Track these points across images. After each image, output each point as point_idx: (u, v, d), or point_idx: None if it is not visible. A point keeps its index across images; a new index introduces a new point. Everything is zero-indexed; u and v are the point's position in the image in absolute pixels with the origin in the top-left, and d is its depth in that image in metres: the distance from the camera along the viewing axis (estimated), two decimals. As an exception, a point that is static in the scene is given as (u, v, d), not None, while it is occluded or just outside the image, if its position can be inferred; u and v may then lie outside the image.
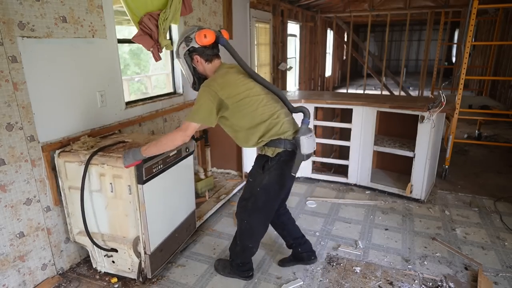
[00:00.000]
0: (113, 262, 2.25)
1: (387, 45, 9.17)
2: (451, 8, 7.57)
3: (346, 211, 3.20)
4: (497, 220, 3.02)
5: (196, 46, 1.92)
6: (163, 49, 2.96)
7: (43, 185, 2.18)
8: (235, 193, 3.55)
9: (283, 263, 2.44)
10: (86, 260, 2.52)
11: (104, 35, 2.48)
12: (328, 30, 10.61)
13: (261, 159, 2.00)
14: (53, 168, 2.20)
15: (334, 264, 2.43)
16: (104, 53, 2.51)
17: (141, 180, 2.00)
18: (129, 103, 2.87)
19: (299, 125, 1.94)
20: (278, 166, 1.95)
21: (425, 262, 2.44)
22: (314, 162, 3.91)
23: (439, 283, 2.22)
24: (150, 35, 2.80)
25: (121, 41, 2.73)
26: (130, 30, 3.27)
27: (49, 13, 2.08)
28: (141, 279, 2.24)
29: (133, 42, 2.79)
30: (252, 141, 1.96)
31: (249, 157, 3.75)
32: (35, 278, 2.22)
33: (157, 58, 2.92)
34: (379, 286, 2.21)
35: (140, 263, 2.19)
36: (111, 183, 2.06)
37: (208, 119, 1.87)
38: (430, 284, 2.23)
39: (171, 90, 3.49)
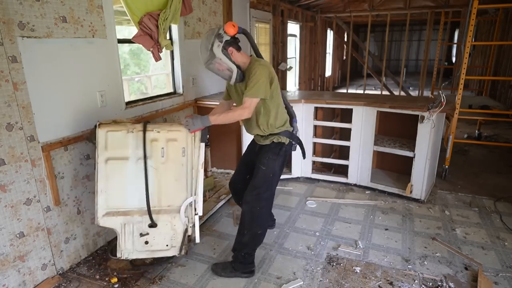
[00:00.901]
0: (146, 242, 2.16)
1: (387, 45, 9.16)
2: (451, 8, 7.56)
3: (346, 211, 3.20)
4: (497, 220, 3.02)
5: (228, 38, 2.09)
6: (163, 49, 2.96)
7: (43, 185, 2.18)
8: (235, 193, 3.56)
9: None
10: (86, 260, 2.52)
11: (104, 35, 2.48)
12: (328, 30, 10.61)
13: (275, 146, 2.27)
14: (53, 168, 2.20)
15: (334, 264, 2.43)
16: (104, 53, 2.51)
17: (204, 139, 2.13)
18: (129, 103, 2.87)
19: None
20: (285, 153, 2.30)
21: (425, 262, 2.44)
22: (314, 162, 3.91)
23: (439, 283, 2.22)
24: (150, 35, 2.80)
25: (121, 41, 2.73)
26: (130, 30, 3.27)
27: (49, 13, 2.08)
28: (184, 252, 2.23)
29: (133, 42, 2.79)
30: (271, 127, 2.24)
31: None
32: (35, 278, 2.22)
33: (157, 58, 2.92)
34: (379, 286, 2.21)
35: (185, 231, 2.19)
36: (163, 148, 2.09)
37: (267, 93, 2.12)
38: (430, 284, 2.23)
39: (171, 90, 3.49)
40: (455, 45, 13.40)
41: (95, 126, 2.17)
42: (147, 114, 3.02)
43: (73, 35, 2.25)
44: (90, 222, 2.56)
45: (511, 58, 7.04)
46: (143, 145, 2.08)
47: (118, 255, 2.17)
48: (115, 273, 2.36)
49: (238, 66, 2.15)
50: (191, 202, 2.19)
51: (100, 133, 2.09)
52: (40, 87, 2.08)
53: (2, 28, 1.85)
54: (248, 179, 2.36)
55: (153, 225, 2.14)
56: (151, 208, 2.14)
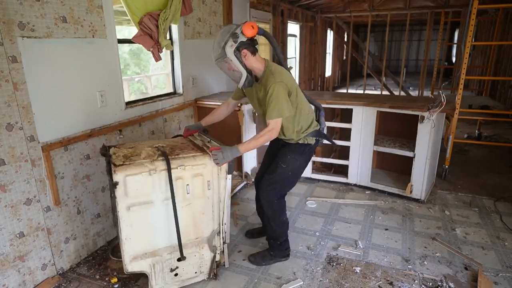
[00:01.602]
0: (176, 275, 2.13)
1: (387, 45, 9.16)
2: (451, 8, 7.56)
3: (346, 211, 3.20)
4: (497, 220, 3.02)
5: (244, 39, 1.97)
6: (163, 49, 2.96)
7: (43, 185, 2.18)
8: (236, 193, 3.56)
9: (252, 234, 2.77)
10: (86, 260, 2.52)
11: (104, 35, 2.48)
12: (328, 30, 10.61)
13: (300, 147, 2.27)
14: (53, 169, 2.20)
15: (334, 264, 2.43)
16: (104, 53, 2.51)
17: (231, 170, 2.07)
18: (129, 103, 2.87)
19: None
20: (310, 152, 2.32)
21: (425, 262, 2.44)
22: (314, 162, 3.91)
23: (439, 283, 2.22)
24: (150, 35, 2.80)
25: (121, 41, 2.73)
26: (130, 30, 3.27)
27: (49, 13, 2.08)
28: (212, 275, 2.24)
29: (133, 42, 2.79)
30: (297, 134, 2.24)
31: (249, 157, 3.76)
32: (35, 278, 2.22)
33: (157, 58, 2.92)
34: (379, 286, 2.21)
35: (213, 258, 2.19)
36: (188, 184, 1.96)
37: (290, 110, 2.08)
38: (430, 284, 2.23)
39: (171, 90, 3.49)
40: (455, 45, 13.40)
41: (105, 155, 1.98)
42: (147, 114, 3.02)
43: (73, 35, 2.25)
44: (90, 222, 2.56)
45: (511, 58, 7.04)
46: (170, 187, 1.88)
47: None
48: (115, 273, 2.36)
49: (249, 71, 2.08)
50: (219, 231, 2.19)
51: (118, 178, 1.81)
52: (40, 87, 2.08)
53: (2, 28, 1.85)
54: None
55: (182, 259, 2.08)
56: (177, 244, 2.06)
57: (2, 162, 1.95)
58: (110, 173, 1.87)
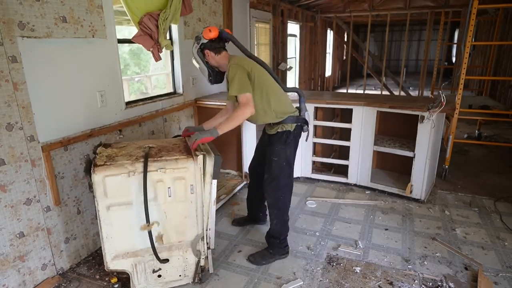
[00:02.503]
0: (159, 276, 2.13)
1: (387, 45, 9.16)
2: (451, 8, 7.56)
3: (346, 211, 3.20)
4: (497, 220, 3.02)
5: (205, 41, 2.26)
6: (163, 49, 2.96)
7: (43, 185, 2.18)
8: (235, 193, 3.56)
9: (238, 223, 2.93)
10: (86, 260, 2.52)
11: (104, 35, 2.48)
12: (328, 30, 10.61)
13: (281, 135, 2.36)
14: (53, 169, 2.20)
15: (334, 264, 2.43)
16: (104, 53, 2.51)
17: (217, 175, 2.03)
18: (129, 103, 2.87)
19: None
20: (294, 138, 2.39)
21: (425, 262, 2.44)
22: (314, 162, 3.91)
23: (439, 283, 2.22)
24: (150, 35, 2.80)
25: (121, 41, 2.73)
26: (130, 30, 3.27)
27: (49, 13, 2.08)
28: (197, 280, 2.22)
29: (133, 42, 2.79)
30: (270, 116, 2.33)
31: (249, 157, 3.75)
32: (35, 278, 2.22)
33: (157, 58, 2.92)
34: (379, 286, 2.21)
35: (198, 263, 2.17)
36: (169, 187, 1.96)
37: (249, 87, 2.20)
38: (430, 284, 2.23)
39: (171, 90, 3.49)
40: (455, 45, 13.40)
41: (90, 160, 2.03)
42: (147, 114, 3.02)
43: (73, 35, 2.25)
44: (90, 222, 2.56)
45: (511, 58, 7.04)
46: (144, 190, 1.88)
47: None
48: (115, 273, 2.36)
49: (214, 68, 2.36)
50: (203, 236, 2.17)
51: (96, 179, 1.83)
52: (40, 87, 2.08)
53: (2, 28, 1.85)
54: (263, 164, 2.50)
55: (164, 261, 2.08)
56: (163, 245, 2.07)
57: (2, 162, 1.95)
58: (89, 172, 1.93)
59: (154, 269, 2.10)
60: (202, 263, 2.21)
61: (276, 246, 2.49)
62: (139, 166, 1.89)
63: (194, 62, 2.39)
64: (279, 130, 2.36)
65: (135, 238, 2.01)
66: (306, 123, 2.41)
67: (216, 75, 2.41)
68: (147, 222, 1.92)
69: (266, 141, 2.48)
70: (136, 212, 1.96)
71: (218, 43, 2.30)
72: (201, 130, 2.38)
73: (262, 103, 2.30)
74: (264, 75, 2.32)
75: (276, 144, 2.36)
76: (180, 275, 2.18)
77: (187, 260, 2.15)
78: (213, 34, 2.23)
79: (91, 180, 1.87)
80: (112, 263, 2.01)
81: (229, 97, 2.30)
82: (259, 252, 2.53)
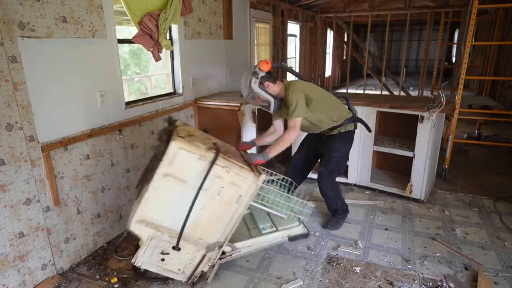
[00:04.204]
0: (163, 260, 2.14)
1: (387, 45, 9.16)
2: (451, 8, 7.56)
3: (346, 211, 3.20)
4: (497, 220, 3.02)
5: (263, 74, 2.42)
6: (163, 49, 2.96)
7: (42, 185, 2.18)
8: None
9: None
10: (86, 260, 2.52)
11: (104, 35, 2.48)
12: (328, 30, 10.61)
13: (344, 135, 2.66)
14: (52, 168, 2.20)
15: (334, 264, 2.43)
16: (104, 53, 2.52)
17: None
18: (129, 103, 2.87)
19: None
20: (352, 137, 2.73)
21: (425, 262, 2.44)
22: (314, 162, 3.91)
23: (439, 283, 2.22)
24: (150, 35, 2.80)
25: (121, 41, 2.73)
26: (130, 30, 3.27)
27: (49, 13, 2.08)
28: (190, 282, 2.21)
29: (133, 42, 2.79)
30: (327, 124, 2.59)
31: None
32: (35, 278, 2.22)
33: (157, 58, 2.93)
34: (379, 286, 2.21)
35: (198, 264, 2.16)
36: (222, 187, 2.02)
37: (305, 112, 2.46)
38: (430, 284, 2.23)
39: (171, 90, 3.49)
40: (455, 45, 13.39)
41: (171, 124, 2.14)
42: (147, 114, 3.02)
43: (73, 35, 2.25)
44: (89, 222, 2.56)
45: (511, 58, 7.04)
46: (202, 179, 1.96)
47: (133, 260, 2.12)
48: (115, 273, 2.37)
49: (275, 96, 2.49)
50: (221, 245, 2.18)
51: (173, 147, 1.91)
52: (40, 87, 2.08)
53: (2, 28, 1.85)
54: (310, 159, 2.90)
55: (176, 248, 2.10)
56: (185, 234, 2.09)
57: (2, 162, 1.95)
58: (162, 139, 2.10)
59: (163, 251, 2.11)
60: (205, 268, 2.21)
61: (339, 214, 2.91)
62: (211, 155, 1.96)
63: (254, 97, 2.47)
64: (341, 131, 2.64)
65: (168, 214, 2.04)
66: (361, 121, 2.74)
67: (279, 103, 2.54)
68: (191, 206, 1.99)
69: (322, 142, 2.74)
70: (184, 192, 2.00)
71: (272, 73, 2.47)
72: (253, 143, 2.65)
73: (324, 116, 2.56)
74: (320, 92, 2.60)
75: (338, 142, 2.65)
76: (179, 269, 2.18)
77: (194, 258, 2.15)
78: (270, 65, 2.40)
79: (161, 143, 2.08)
80: (134, 225, 2.02)
81: (275, 117, 2.66)
82: (331, 219, 2.91)
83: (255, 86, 2.42)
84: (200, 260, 2.15)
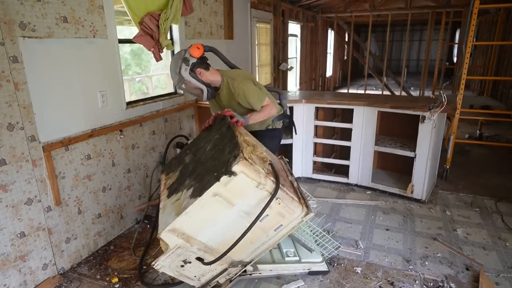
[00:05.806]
0: (182, 266, 2.08)
1: (388, 45, 9.15)
2: (452, 8, 7.55)
3: (347, 211, 3.20)
4: (498, 220, 3.01)
5: (195, 60, 2.22)
6: (164, 49, 2.96)
7: (44, 185, 2.18)
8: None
9: None
10: (87, 260, 2.53)
11: (105, 35, 2.48)
12: (329, 30, 10.61)
13: (271, 132, 2.59)
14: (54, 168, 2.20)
15: (335, 265, 2.43)
16: (105, 53, 2.52)
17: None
18: (130, 103, 2.87)
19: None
20: (280, 134, 2.66)
21: (426, 263, 2.44)
22: (315, 163, 3.91)
23: (440, 284, 2.22)
24: (151, 35, 2.80)
25: (122, 41, 2.73)
26: (131, 30, 3.28)
27: (50, 13, 2.08)
28: None
29: (134, 42, 2.79)
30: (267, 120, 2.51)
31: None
32: (36, 278, 2.23)
33: (158, 58, 2.93)
34: (380, 286, 2.21)
35: (216, 276, 2.13)
36: (268, 215, 1.92)
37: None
38: (431, 284, 2.22)
39: (172, 90, 3.49)
40: (456, 45, 13.36)
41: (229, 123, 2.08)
42: (148, 114, 3.02)
43: (74, 35, 2.25)
44: (90, 222, 2.56)
45: (513, 58, 7.03)
46: (261, 212, 1.81)
47: (153, 263, 2.03)
48: (116, 273, 2.37)
49: (208, 84, 2.33)
50: (245, 265, 2.14)
51: (237, 169, 1.73)
52: (41, 87, 2.08)
53: (3, 28, 1.85)
54: None
55: (199, 258, 2.03)
56: (211, 247, 2.01)
57: (3, 162, 1.95)
58: (220, 131, 2.10)
59: (186, 260, 2.03)
60: (221, 280, 2.17)
61: None
62: (269, 183, 1.81)
63: (185, 85, 2.28)
64: (269, 128, 2.58)
65: (205, 232, 1.94)
66: (288, 118, 2.68)
67: (212, 92, 2.38)
68: (241, 236, 1.84)
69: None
70: (227, 214, 1.88)
71: (204, 59, 2.30)
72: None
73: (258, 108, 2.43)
74: (259, 84, 2.50)
75: (264, 139, 2.46)
76: (195, 276, 2.13)
77: (214, 270, 2.11)
78: (202, 50, 2.23)
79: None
80: (166, 233, 1.88)
81: (215, 108, 2.50)
82: None
83: (185, 73, 2.22)
84: (220, 272, 2.11)
